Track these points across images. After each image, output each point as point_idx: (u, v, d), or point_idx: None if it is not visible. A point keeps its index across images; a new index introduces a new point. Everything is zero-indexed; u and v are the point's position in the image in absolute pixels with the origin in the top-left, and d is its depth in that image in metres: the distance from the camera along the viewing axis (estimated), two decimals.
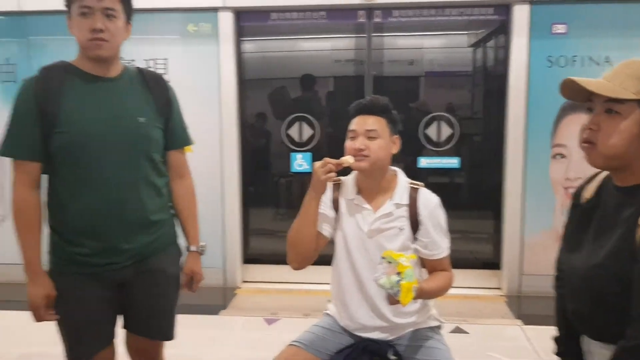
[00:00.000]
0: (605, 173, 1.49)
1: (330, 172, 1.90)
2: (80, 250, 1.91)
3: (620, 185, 1.39)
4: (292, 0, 4.33)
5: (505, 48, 4.33)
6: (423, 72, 4.61)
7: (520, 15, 4.17)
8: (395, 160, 2.05)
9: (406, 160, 4.45)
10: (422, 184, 2.04)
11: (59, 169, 1.89)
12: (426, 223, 1.96)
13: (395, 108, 2.05)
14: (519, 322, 3.87)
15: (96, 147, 1.86)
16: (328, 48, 4.69)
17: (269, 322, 3.87)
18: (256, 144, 4.82)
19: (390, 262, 1.69)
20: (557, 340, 1.64)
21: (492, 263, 4.58)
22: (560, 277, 1.56)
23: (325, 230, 2.03)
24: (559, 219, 4.28)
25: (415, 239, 1.97)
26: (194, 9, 4.34)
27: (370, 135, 1.95)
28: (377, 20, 4.41)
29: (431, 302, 2.08)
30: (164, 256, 2.08)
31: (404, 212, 1.97)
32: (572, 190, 2.47)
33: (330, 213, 2.04)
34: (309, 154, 4.58)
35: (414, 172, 4.29)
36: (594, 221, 1.45)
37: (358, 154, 1.94)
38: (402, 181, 2.03)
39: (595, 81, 1.36)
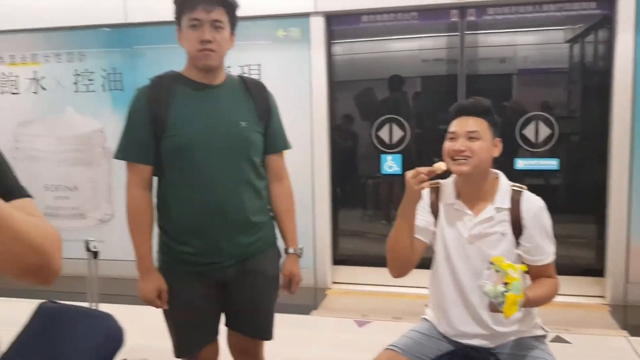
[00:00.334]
0: None
1: (422, 181, 1.85)
2: (187, 250, 2.00)
3: None
4: (384, 2, 4.32)
5: (608, 43, 4.09)
6: (516, 70, 4.45)
7: (626, 9, 3.93)
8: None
9: (502, 161, 4.31)
10: (524, 186, 1.97)
11: (168, 172, 2.00)
12: (530, 227, 1.89)
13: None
14: (624, 333, 3.64)
15: (201, 151, 1.95)
16: (418, 48, 4.64)
17: (360, 324, 3.88)
18: (346, 145, 4.85)
19: (498, 271, 1.64)
20: None
21: (594, 270, 4.34)
22: None
23: (424, 236, 2.00)
24: None
25: (518, 244, 1.91)
26: (286, 15, 4.44)
27: (472, 136, 1.91)
28: (470, 18, 4.31)
29: (535, 310, 2.00)
30: (264, 258, 2.14)
31: (506, 216, 1.91)
32: None
33: (429, 218, 2.01)
34: (399, 156, 4.55)
35: (510, 175, 4.12)
36: None
37: (458, 155, 1.90)
38: (504, 184, 1.97)
39: None
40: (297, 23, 4.45)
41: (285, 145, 2.23)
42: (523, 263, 1.86)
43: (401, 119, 4.54)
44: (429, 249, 2.05)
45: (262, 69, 4.54)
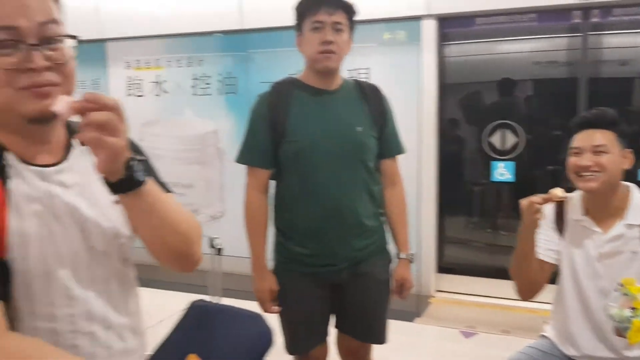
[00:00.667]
0: None
1: (537, 211, 1.75)
2: (302, 251, 2.05)
3: None
4: (500, 3, 4.17)
5: None
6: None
7: None
8: None
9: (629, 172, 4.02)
10: None
11: (286, 176, 2.06)
12: None
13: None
14: None
15: (319, 156, 1.99)
16: (534, 50, 4.43)
17: (466, 335, 3.77)
18: (454, 150, 4.73)
19: (626, 294, 1.53)
20: None
21: None
22: None
23: (549, 256, 1.91)
24: None
25: None
26: (395, 18, 4.41)
27: (599, 150, 1.79)
28: (594, 19, 4.06)
29: None
30: (376, 261, 2.16)
31: (638, 233, 1.78)
32: None
33: (553, 236, 1.91)
34: (511, 163, 4.38)
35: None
36: None
37: (585, 171, 1.79)
38: (636, 198, 1.84)
39: None
40: (404, 26, 4.41)
41: (400, 150, 2.24)
42: None
43: (515, 124, 4.35)
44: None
45: (371, 73, 4.54)
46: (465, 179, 4.81)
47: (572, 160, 1.84)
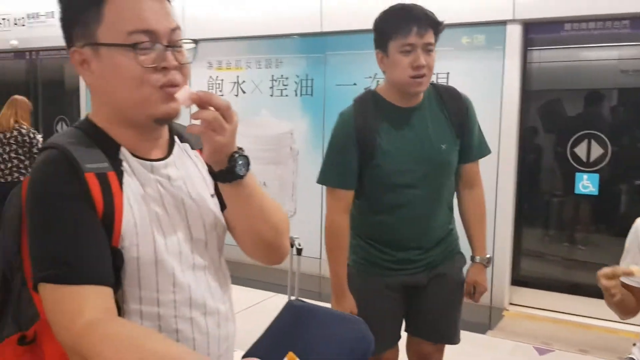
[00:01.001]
0: None
1: (615, 287, 1.61)
2: (383, 257, 2.06)
3: None
4: (589, 9, 3.99)
5: None
6: None
7: None
8: None
9: None
10: None
11: (369, 193, 2.04)
12: None
13: None
14: None
15: (406, 177, 1.98)
16: (624, 58, 4.22)
17: (541, 351, 3.63)
18: (535, 160, 4.57)
19: None
20: None
21: None
22: None
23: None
24: None
25: None
26: (480, 22, 4.31)
27: None
28: None
29: None
30: (452, 263, 2.15)
31: None
32: None
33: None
34: (596, 176, 4.18)
35: None
36: None
37: None
38: None
39: None
40: (485, 30, 4.31)
41: (484, 152, 2.19)
42: None
43: (602, 135, 4.16)
44: None
45: (450, 77, 4.46)
46: (546, 189, 4.64)
47: None
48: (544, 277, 4.50)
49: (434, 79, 4.42)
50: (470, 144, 2.10)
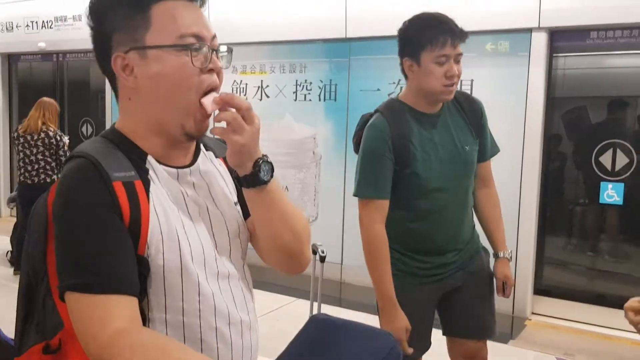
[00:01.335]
0: None
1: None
2: (420, 265, 2.10)
3: None
4: (616, 17, 3.95)
5: None
6: None
7: None
8: None
9: None
10: None
11: (405, 201, 2.06)
12: None
13: None
14: None
15: (438, 181, 2.03)
16: None
17: None
18: (560, 167, 4.54)
19: None
20: None
21: None
22: None
23: None
24: None
25: None
26: (506, 30, 4.30)
27: None
28: None
29: None
30: (479, 259, 2.22)
31: None
32: None
33: None
34: (621, 185, 4.14)
35: None
36: None
37: None
38: None
39: None
40: (509, 37, 4.29)
41: (495, 151, 2.26)
42: None
43: (628, 144, 4.11)
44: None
45: (474, 84, 4.45)
46: (570, 198, 4.60)
47: None
48: (567, 287, 4.46)
49: (458, 86, 4.47)
50: (485, 143, 2.19)
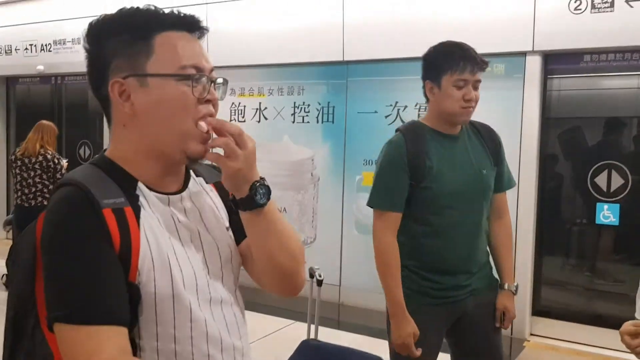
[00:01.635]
0: None
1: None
2: (432, 285, 2.12)
3: None
4: (609, 41, 4.02)
5: None
6: None
7: None
8: None
9: None
10: None
11: (417, 216, 2.12)
12: None
13: None
14: None
15: (452, 199, 2.09)
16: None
17: None
18: (556, 188, 4.57)
19: None
20: None
21: None
22: None
23: None
24: None
25: None
26: (500, 53, 4.35)
27: None
28: None
29: None
30: (493, 290, 2.24)
31: None
32: None
33: None
34: (616, 206, 4.16)
35: None
36: None
37: None
38: None
39: None
40: (504, 60, 4.35)
41: (511, 183, 2.33)
42: None
43: (622, 165, 4.15)
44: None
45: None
46: (566, 219, 4.62)
47: None
48: (565, 308, 4.45)
49: None
50: (502, 174, 2.25)
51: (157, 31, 1.07)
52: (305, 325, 3.48)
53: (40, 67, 6.97)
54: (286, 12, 5.18)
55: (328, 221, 5.13)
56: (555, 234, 4.59)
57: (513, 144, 4.32)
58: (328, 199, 5.12)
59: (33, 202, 4.96)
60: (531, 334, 4.45)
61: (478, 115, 2.22)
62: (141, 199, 1.06)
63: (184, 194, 1.14)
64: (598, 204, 4.22)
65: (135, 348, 1.01)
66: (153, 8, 1.09)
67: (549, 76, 4.38)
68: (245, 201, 1.06)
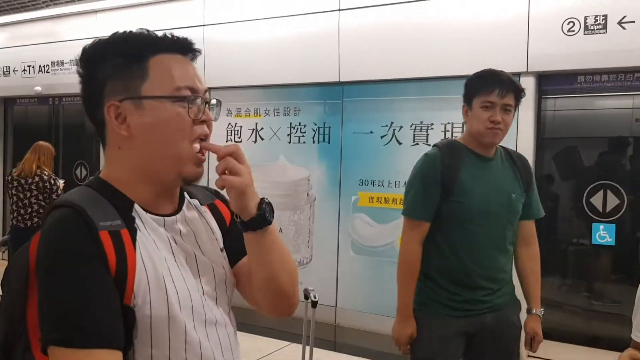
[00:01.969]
0: None
1: None
2: (450, 297, 2.21)
3: None
4: (602, 62, 4.07)
5: None
6: None
7: None
8: None
9: None
10: None
11: (444, 228, 2.22)
12: None
13: None
14: None
15: (478, 216, 2.18)
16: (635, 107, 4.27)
17: None
18: (552, 208, 4.57)
19: None
20: None
21: None
22: None
23: None
24: None
25: None
26: None
27: None
28: None
29: None
30: (514, 309, 2.37)
31: None
32: None
33: None
34: (612, 226, 4.17)
35: None
36: None
37: None
38: None
39: None
40: None
41: (540, 213, 2.42)
42: None
43: (617, 185, 4.17)
44: None
45: (465, 127, 4.51)
46: (562, 239, 4.63)
47: None
48: (562, 329, 4.42)
49: (449, 128, 4.54)
50: (530, 202, 2.34)
51: (151, 54, 1.09)
52: (300, 347, 3.46)
53: (38, 88, 7.01)
54: (282, 33, 5.23)
55: (324, 242, 5.12)
56: (552, 255, 4.58)
57: None
58: (324, 219, 5.12)
59: (29, 223, 4.95)
60: (529, 355, 4.41)
61: None
62: (137, 221, 1.06)
63: (179, 215, 1.14)
64: (594, 224, 4.23)
65: None
66: (146, 32, 1.11)
67: (543, 97, 4.42)
68: (257, 220, 1.08)
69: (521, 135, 4.32)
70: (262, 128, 5.45)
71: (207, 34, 5.49)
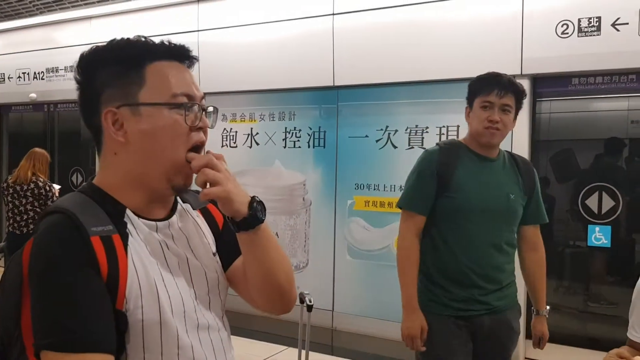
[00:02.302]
0: None
1: None
2: (446, 295, 2.22)
3: None
4: (597, 64, 4.09)
5: None
6: None
7: None
8: None
9: None
10: None
11: (439, 223, 2.25)
12: None
13: None
14: None
15: (473, 214, 2.20)
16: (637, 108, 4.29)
17: None
18: (547, 210, 4.55)
19: None
20: None
21: None
22: None
23: None
24: None
25: None
26: None
27: None
28: None
29: None
30: (514, 313, 2.38)
31: None
32: None
33: None
34: (608, 228, 4.18)
35: None
36: None
37: None
38: None
39: None
40: None
41: (544, 219, 2.44)
42: None
43: (613, 187, 4.18)
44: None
45: (460, 130, 4.53)
46: (558, 241, 4.63)
47: None
48: (558, 330, 4.42)
49: (444, 132, 4.54)
50: (533, 207, 2.36)
51: (148, 61, 1.09)
52: (296, 351, 3.45)
53: (33, 95, 6.99)
54: (277, 38, 5.24)
55: (320, 246, 5.12)
56: (548, 257, 4.56)
57: None
58: (320, 223, 5.12)
59: (25, 230, 4.94)
60: (525, 358, 4.41)
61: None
62: (129, 226, 1.07)
63: (171, 220, 1.15)
64: (590, 226, 4.23)
65: None
66: (143, 39, 1.11)
67: (537, 99, 4.43)
68: (248, 220, 1.08)
69: (516, 138, 4.33)
70: (257, 133, 5.45)
71: (202, 39, 5.50)
